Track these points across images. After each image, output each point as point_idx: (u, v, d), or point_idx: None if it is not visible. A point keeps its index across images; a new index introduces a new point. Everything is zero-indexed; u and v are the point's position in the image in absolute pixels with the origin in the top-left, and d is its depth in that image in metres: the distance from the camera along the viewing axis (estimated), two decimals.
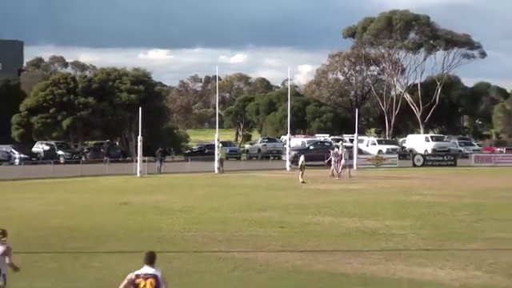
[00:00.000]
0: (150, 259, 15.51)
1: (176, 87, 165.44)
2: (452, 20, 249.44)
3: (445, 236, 27.51)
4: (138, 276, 14.80)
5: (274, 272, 20.96)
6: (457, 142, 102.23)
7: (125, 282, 14.92)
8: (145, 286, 14.77)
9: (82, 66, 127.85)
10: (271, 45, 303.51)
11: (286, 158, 72.87)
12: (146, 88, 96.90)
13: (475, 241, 26.18)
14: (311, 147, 79.63)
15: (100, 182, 56.04)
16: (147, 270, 15.04)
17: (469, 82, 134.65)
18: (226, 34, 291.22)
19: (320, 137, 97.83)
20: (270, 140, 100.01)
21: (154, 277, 14.89)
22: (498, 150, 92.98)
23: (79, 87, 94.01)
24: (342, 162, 61.16)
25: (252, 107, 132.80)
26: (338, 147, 68.97)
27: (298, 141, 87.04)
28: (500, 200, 41.70)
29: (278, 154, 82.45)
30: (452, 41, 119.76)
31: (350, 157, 66.17)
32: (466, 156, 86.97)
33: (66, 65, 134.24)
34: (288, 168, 67.54)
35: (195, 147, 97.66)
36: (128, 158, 77.06)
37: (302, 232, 29.28)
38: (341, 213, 36.04)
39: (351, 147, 75.62)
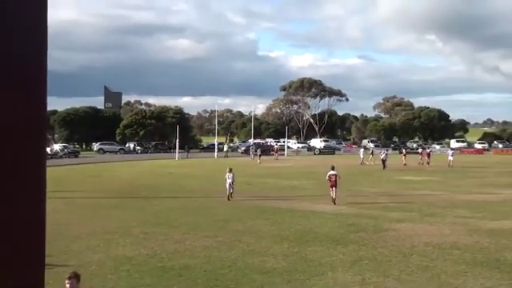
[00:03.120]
0: (332, 168, 23.17)
1: (195, 115, 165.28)
2: (333, 81, 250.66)
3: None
4: (329, 175, 22.29)
5: (245, 207, 21.23)
6: (335, 142, 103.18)
7: (327, 176, 22.57)
8: (331, 178, 22.19)
9: (149, 105, 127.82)
10: (244, 94, 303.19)
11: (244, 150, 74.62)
12: (180, 116, 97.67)
13: (344, 191, 26.68)
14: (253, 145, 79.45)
15: (158, 162, 55.82)
16: (331, 171, 22.46)
17: (340, 112, 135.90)
18: (221, 89, 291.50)
19: (268, 140, 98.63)
20: (244, 142, 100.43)
21: (335, 175, 22.10)
22: (354, 146, 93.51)
23: (147, 115, 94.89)
24: (259, 152, 60.08)
25: (234, 125, 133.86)
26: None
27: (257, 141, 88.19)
28: (353, 171, 41.54)
29: (247, 149, 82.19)
30: (332, 92, 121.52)
31: (265, 150, 66.28)
32: (339, 149, 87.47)
33: (141, 104, 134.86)
34: (252, 156, 67.84)
35: (205, 145, 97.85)
36: (172, 151, 76.90)
37: (259, 187, 29.67)
38: (279, 177, 36.19)
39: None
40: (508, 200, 23.54)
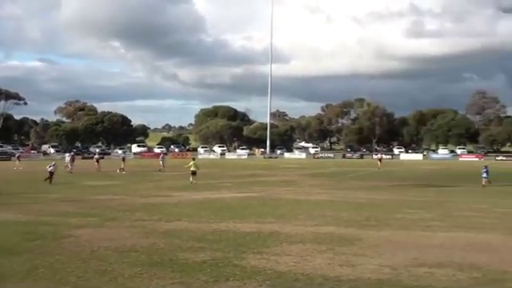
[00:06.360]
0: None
1: None
2: (11, 84, 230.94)
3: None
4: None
5: None
6: (11, 147, 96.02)
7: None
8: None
9: None
10: None
11: None
12: None
13: (23, 199, 25.25)
14: None
15: None
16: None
17: (18, 117, 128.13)
18: None
19: None
20: None
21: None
22: (33, 152, 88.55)
23: None
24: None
25: None
26: None
27: None
28: (38, 177, 39.98)
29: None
30: (9, 95, 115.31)
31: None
32: (14, 155, 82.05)
33: None
34: None
35: None
36: None
37: None
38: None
39: None
40: (182, 201, 25.29)
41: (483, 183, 35.88)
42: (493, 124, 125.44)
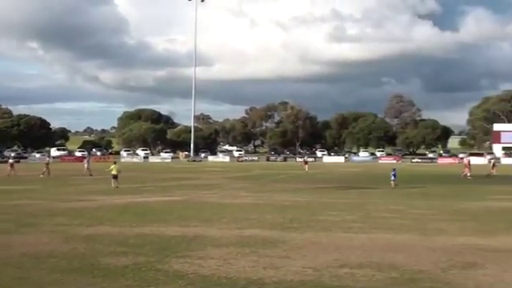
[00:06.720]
0: None
1: None
2: None
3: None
4: None
5: None
6: None
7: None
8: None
9: None
10: None
11: None
12: None
13: None
14: None
15: None
16: None
17: None
18: None
19: None
20: None
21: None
22: None
23: None
24: None
25: None
26: None
27: None
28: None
29: None
30: None
31: None
32: None
33: None
34: None
35: None
36: None
37: None
38: None
39: None
40: (104, 205, 24.71)
41: (392, 185, 37.33)
42: (409, 127, 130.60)
